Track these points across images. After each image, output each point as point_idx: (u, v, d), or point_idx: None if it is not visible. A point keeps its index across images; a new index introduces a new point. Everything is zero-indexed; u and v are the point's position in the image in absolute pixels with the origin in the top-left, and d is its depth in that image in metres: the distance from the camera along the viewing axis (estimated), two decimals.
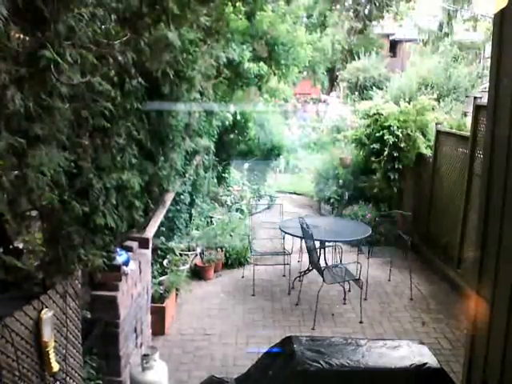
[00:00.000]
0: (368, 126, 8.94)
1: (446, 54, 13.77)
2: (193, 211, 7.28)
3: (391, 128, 8.30)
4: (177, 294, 5.69)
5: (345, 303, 5.98)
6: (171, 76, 3.31)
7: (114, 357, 3.60)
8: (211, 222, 7.91)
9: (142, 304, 4.26)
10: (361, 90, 17.49)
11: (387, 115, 8.64)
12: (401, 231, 8.50)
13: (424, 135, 8.48)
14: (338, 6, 24.77)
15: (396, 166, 8.46)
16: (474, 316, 2.48)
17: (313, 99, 21.76)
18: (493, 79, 2.34)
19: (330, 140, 14.73)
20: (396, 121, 8.39)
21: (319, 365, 3.04)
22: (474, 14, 17.23)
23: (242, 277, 6.71)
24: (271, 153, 10.79)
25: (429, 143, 8.24)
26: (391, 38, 27.42)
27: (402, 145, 8.27)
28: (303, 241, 6.40)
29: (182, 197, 6.37)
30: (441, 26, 18.87)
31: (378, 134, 8.47)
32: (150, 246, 4.45)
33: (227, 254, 7.00)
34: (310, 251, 5.78)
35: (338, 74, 21.17)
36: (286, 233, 6.37)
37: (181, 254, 6.30)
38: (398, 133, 8.24)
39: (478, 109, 6.09)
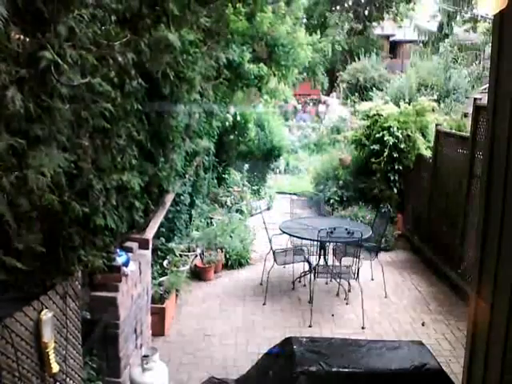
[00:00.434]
0: (368, 126, 8.95)
1: (445, 55, 13.81)
2: (193, 212, 7.28)
3: (391, 129, 8.31)
4: (177, 295, 5.69)
5: (347, 303, 5.98)
6: (171, 77, 3.31)
7: (113, 358, 3.60)
8: (211, 222, 7.91)
9: (141, 305, 4.26)
10: (361, 90, 17.55)
11: (387, 116, 8.66)
12: (400, 232, 8.53)
13: (424, 136, 8.50)
14: (338, 7, 24.83)
15: (396, 167, 8.47)
16: (474, 317, 2.48)
17: (313, 100, 21.76)
18: (493, 80, 2.34)
19: (329, 141, 14.78)
20: (396, 122, 8.41)
21: (319, 366, 3.04)
22: (473, 15, 17.23)
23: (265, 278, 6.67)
24: (271, 154, 10.79)
25: (429, 144, 8.25)
26: (391, 39, 27.48)
27: (402, 146, 8.29)
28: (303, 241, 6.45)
29: (182, 198, 6.37)
30: (441, 27, 18.87)
31: (377, 135, 8.48)
32: (150, 246, 4.45)
33: (227, 255, 7.01)
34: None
35: (337, 75, 21.21)
36: (285, 233, 6.35)
37: (181, 255, 6.30)
38: (398, 134, 8.25)
39: (477, 110, 6.09)
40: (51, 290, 2.58)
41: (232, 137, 9.36)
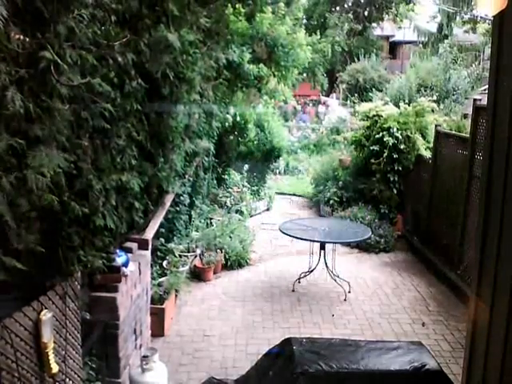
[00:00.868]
0: (367, 127, 8.96)
1: (445, 56, 13.81)
2: (192, 212, 7.28)
3: (391, 130, 8.32)
4: (176, 296, 5.69)
5: (347, 304, 5.98)
6: (171, 77, 3.31)
7: (113, 358, 3.60)
8: (211, 223, 7.91)
9: (141, 305, 4.25)
10: (360, 91, 17.55)
11: (387, 117, 8.66)
12: (400, 233, 8.53)
13: (423, 137, 8.51)
14: (337, 8, 24.86)
15: (396, 168, 8.48)
16: (473, 317, 2.48)
17: (312, 101, 21.77)
18: (492, 81, 2.34)
19: (329, 141, 14.79)
20: (395, 122, 8.41)
21: (318, 366, 3.04)
22: (473, 15, 17.26)
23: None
24: (271, 154, 10.78)
25: (428, 145, 8.26)
26: (391, 39, 27.52)
27: (402, 146, 8.29)
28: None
29: (181, 198, 6.37)
30: (440, 28, 18.90)
31: (377, 136, 8.49)
32: (150, 247, 4.45)
33: (227, 256, 7.00)
34: None
35: (337, 75, 21.24)
36: (285, 234, 6.35)
37: (180, 256, 6.29)
38: (398, 134, 8.26)
39: (477, 110, 6.09)
40: (51, 290, 2.58)
41: (232, 137, 9.36)
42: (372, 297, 6.21)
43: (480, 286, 2.41)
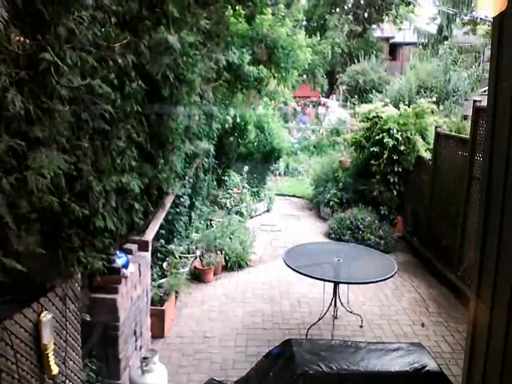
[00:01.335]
0: (367, 128, 8.97)
1: (445, 58, 13.81)
2: (192, 214, 7.28)
3: (391, 131, 8.32)
4: (176, 297, 5.69)
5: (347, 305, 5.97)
6: (171, 79, 3.31)
7: (113, 359, 3.60)
8: (211, 224, 7.91)
9: (141, 307, 4.25)
10: (360, 93, 17.57)
11: (387, 118, 8.67)
12: (400, 234, 8.53)
13: (423, 138, 8.51)
14: (337, 10, 24.87)
15: (396, 169, 8.48)
16: (473, 319, 2.48)
17: (312, 102, 21.78)
18: (492, 82, 2.35)
19: (329, 143, 14.80)
20: (395, 124, 8.41)
21: (319, 368, 3.04)
22: (473, 17, 17.28)
23: None
24: (271, 156, 10.79)
25: (428, 146, 8.26)
26: (391, 41, 27.51)
27: (402, 148, 8.29)
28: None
29: (181, 199, 6.37)
30: (440, 30, 18.93)
31: (377, 137, 8.49)
32: (150, 248, 4.45)
33: (227, 257, 7.00)
34: None
35: (337, 77, 21.24)
36: (291, 268, 5.07)
37: (180, 257, 6.30)
38: (398, 136, 8.26)
39: (477, 112, 6.10)
40: (51, 291, 2.58)
41: (232, 139, 9.37)
42: (372, 298, 6.21)
43: (480, 287, 2.41)
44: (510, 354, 2.10)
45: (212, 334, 5.20)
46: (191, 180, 6.81)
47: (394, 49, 27.92)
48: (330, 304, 5.31)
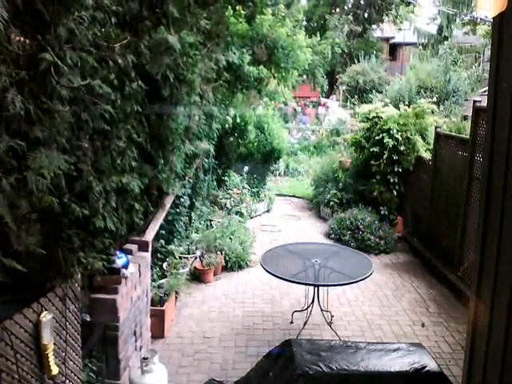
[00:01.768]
0: (367, 129, 8.97)
1: (445, 58, 13.82)
2: (192, 214, 7.28)
3: (391, 131, 8.32)
4: (176, 297, 5.69)
5: (347, 305, 5.98)
6: (171, 79, 3.31)
7: (113, 360, 3.60)
8: (211, 225, 7.91)
9: (141, 307, 4.25)
10: (360, 93, 17.57)
11: (387, 118, 8.67)
12: (400, 234, 8.53)
13: (423, 138, 8.52)
14: (337, 10, 24.89)
15: (396, 169, 8.48)
16: (473, 319, 2.48)
17: (312, 102, 21.79)
18: (492, 82, 2.35)
19: (329, 143, 14.80)
20: (395, 124, 8.42)
21: (319, 368, 3.04)
22: (473, 17, 17.27)
23: None
24: (271, 156, 10.79)
25: (428, 146, 8.27)
26: (391, 41, 27.52)
27: (402, 148, 8.29)
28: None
29: (181, 200, 6.37)
30: (440, 30, 18.91)
31: (377, 137, 8.50)
32: (150, 249, 4.45)
33: (227, 257, 7.00)
34: None
35: (337, 77, 21.25)
36: (268, 272, 5.02)
37: (180, 257, 6.30)
38: (398, 136, 8.26)
39: (477, 112, 6.09)
40: (51, 292, 2.58)
41: (232, 139, 9.37)
42: (372, 298, 6.21)
43: (480, 287, 2.41)
44: (510, 354, 2.10)
45: (212, 334, 5.20)
46: (191, 180, 6.81)
47: (394, 49, 27.93)
48: (310, 305, 5.26)
